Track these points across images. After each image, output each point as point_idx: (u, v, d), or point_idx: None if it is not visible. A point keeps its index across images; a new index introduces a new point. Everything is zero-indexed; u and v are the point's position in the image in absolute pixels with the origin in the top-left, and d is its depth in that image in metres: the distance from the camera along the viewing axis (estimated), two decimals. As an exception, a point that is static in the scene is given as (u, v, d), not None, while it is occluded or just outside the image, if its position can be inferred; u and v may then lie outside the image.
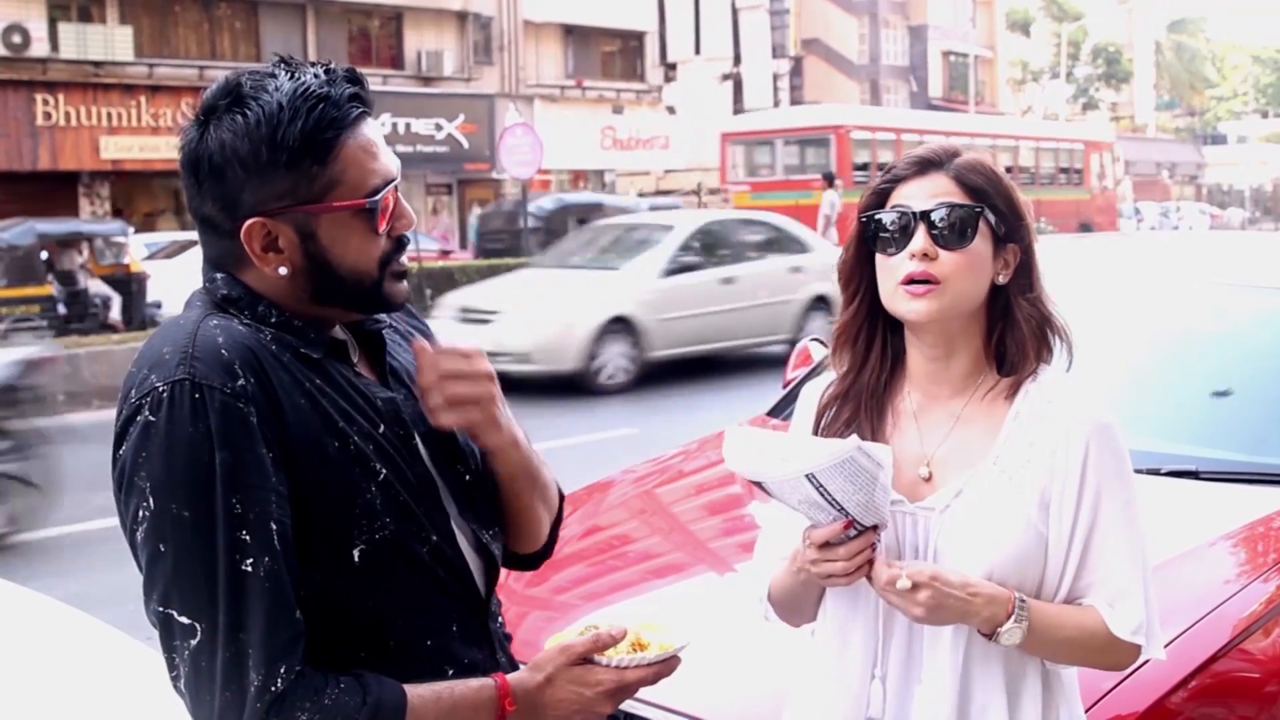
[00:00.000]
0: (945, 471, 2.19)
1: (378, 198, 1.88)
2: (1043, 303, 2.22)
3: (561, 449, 11.27)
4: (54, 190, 28.00)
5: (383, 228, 1.90)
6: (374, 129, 1.91)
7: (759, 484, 2.08)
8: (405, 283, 1.98)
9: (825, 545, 2.08)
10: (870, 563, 2.08)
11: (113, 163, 28.92)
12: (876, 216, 2.18)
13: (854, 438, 2.02)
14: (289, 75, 1.85)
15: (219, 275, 1.92)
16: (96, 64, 28.41)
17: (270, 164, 1.81)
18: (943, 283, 2.12)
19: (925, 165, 2.18)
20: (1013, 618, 2.05)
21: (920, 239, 2.13)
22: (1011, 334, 2.19)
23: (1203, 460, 3.74)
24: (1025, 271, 2.20)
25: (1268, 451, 3.84)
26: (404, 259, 1.97)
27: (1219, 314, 4.45)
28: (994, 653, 2.13)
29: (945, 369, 2.22)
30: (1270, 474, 3.70)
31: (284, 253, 1.86)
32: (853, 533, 2.06)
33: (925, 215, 2.14)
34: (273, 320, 1.89)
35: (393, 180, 1.91)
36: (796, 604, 2.33)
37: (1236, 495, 3.62)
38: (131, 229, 22.86)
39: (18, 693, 2.95)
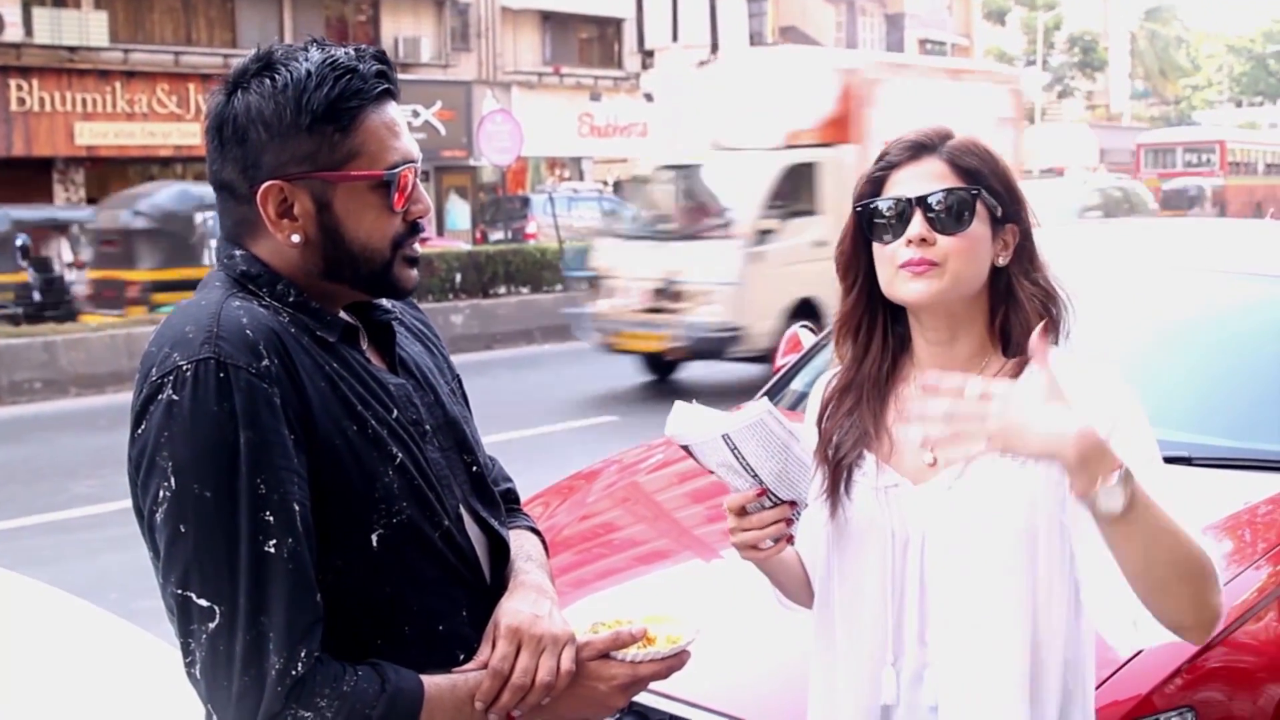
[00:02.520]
0: (947, 455, 2.13)
1: (395, 172, 1.88)
2: (1046, 280, 2.18)
3: (544, 436, 11.28)
4: (28, 177, 27.80)
5: (399, 207, 1.90)
6: (398, 112, 1.92)
7: (686, 448, 2.10)
8: (416, 270, 1.98)
9: (742, 513, 2.09)
10: (790, 539, 2.12)
11: (87, 149, 28.72)
12: (872, 205, 2.15)
13: (765, 401, 2.04)
14: (320, 49, 1.87)
15: (237, 252, 1.91)
16: (71, 49, 28.20)
17: (293, 127, 1.82)
18: (941, 264, 2.09)
19: (918, 149, 2.14)
20: (1118, 475, 1.81)
21: (917, 224, 2.09)
22: (1016, 314, 2.15)
23: (1195, 446, 3.73)
24: (1025, 251, 2.17)
25: (1260, 438, 3.84)
26: (417, 245, 1.96)
27: (1212, 301, 4.45)
28: (1015, 635, 2.08)
29: (950, 353, 2.19)
30: (1262, 460, 3.70)
31: (298, 221, 1.86)
32: (767, 502, 2.08)
33: (921, 200, 2.10)
34: (290, 300, 1.89)
35: (412, 161, 1.91)
36: (777, 579, 2.34)
37: (1229, 481, 3.62)
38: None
39: (21, 677, 2.94)
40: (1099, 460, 1.81)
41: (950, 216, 2.10)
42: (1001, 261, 2.15)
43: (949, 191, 2.10)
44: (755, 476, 2.05)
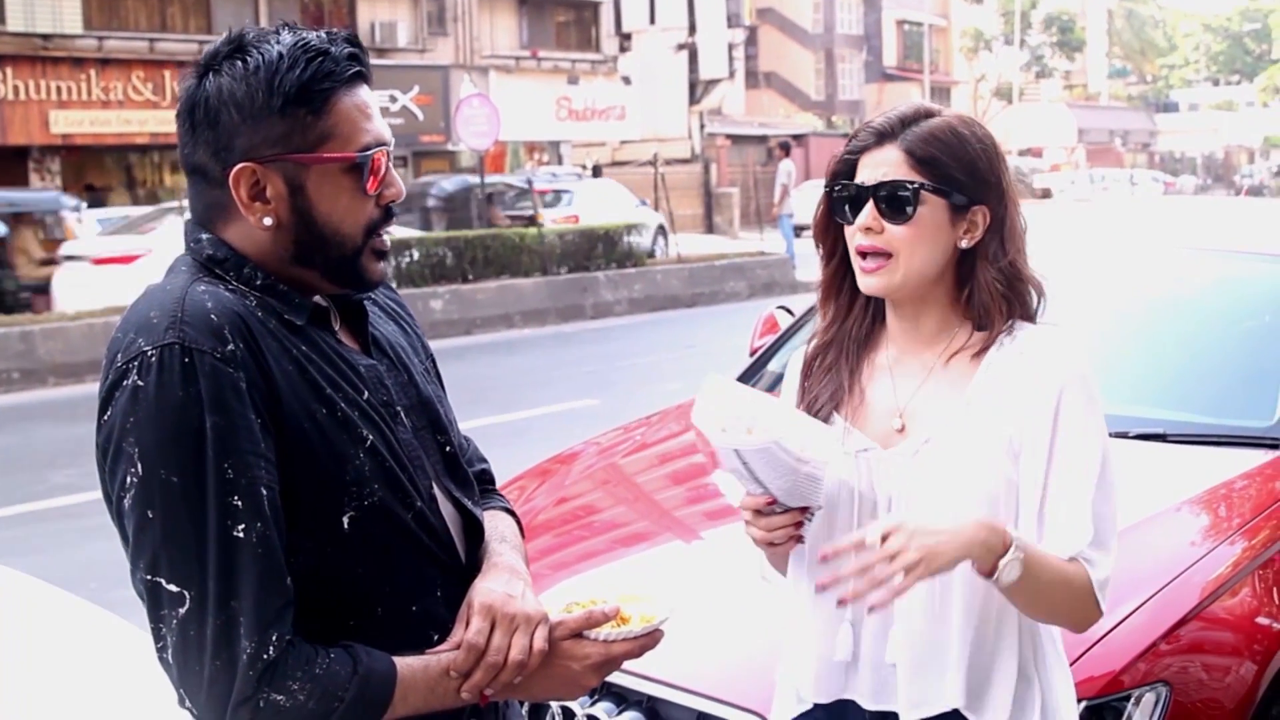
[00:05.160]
0: (916, 421, 2.23)
1: (368, 154, 1.87)
2: (1013, 264, 2.22)
3: (524, 420, 11.28)
4: (3, 165, 27.62)
5: (372, 190, 1.90)
6: (370, 95, 1.92)
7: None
8: (384, 264, 1.97)
9: (756, 512, 2.17)
10: (799, 539, 2.19)
11: (63, 137, 28.54)
12: (837, 188, 2.24)
13: (777, 434, 2.05)
14: (291, 32, 1.87)
15: (204, 236, 1.90)
16: (45, 37, 27.99)
17: (265, 109, 1.82)
18: (894, 256, 2.17)
19: (881, 137, 2.21)
20: (1011, 549, 2.00)
21: (866, 214, 2.18)
22: (977, 295, 2.22)
23: (1170, 423, 3.76)
24: (996, 234, 2.21)
25: (1234, 414, 3.87)
26: (387, 237, 1.96)
27: (1186, 278, 4.47)
28: (972, 593, 2.14)
29: (916, 327, 2.27)
30: (1236, 436, 3.73)
31: (270, 204, 1.85)
32: (778, 509, 2.14)
33: (872, 190, 2.18)
34: (258, 283, 1.87)
35: (385, 144, 1.91)
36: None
37: (1204, 458, 3.65)
38: (84, 204, 22.66)
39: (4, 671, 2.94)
40: (996, 542, 2.00)
41: (895, 207, 2.17)
42: (965, 244, 2.20)
43: (893, 184, 2.17)
44: (765, 488, 2.11)
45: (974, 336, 2.23)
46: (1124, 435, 3.64)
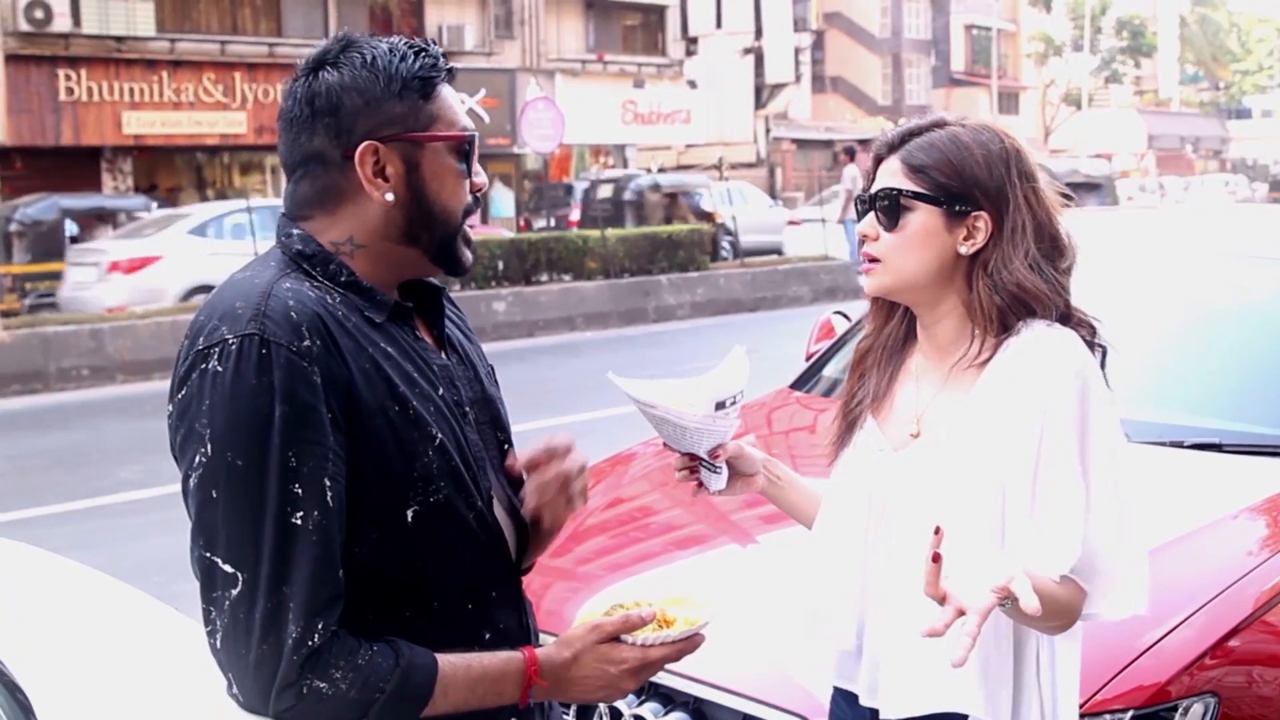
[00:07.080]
0: (929, 427, 2.29)
1: (472, 133, 2.03)
2: (1010, 273, 2.21)
3: (585, 422, 11.31)
4: (77, 165, 28.00)
5: (474, 174, 2.04)
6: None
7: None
8: (471, 252, 2.08)
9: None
10: (699, 484, 2.42)
11: (135, 138, 28.90)
12: (859, 198, 2.37)
13: (619, 379, 2.30)
14: (387, 39, 2.04)
15: (295, 231, 1.99)
16: (119, 39, 28.37)
17: (385, 93, 1.96)
18: (883, 261, 2.27)
19: (889, 148, 2.31)
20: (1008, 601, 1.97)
21: (865, 221, 2.31)
22: (974, 303, 2.25)
23: (1226, 433, 3.74)
24: (1000, 241, 2.23)
25: (1291, 424, 3.84)
26: (471, 224, 2.08)
27: (1244, 287, 4.43)
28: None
29: (934, 333, 2.33)
30: (1294, 447, 3.70)
31: (390, 181, 1.97)
32: (679, 454, 2.38)
33: (873, 198, 2.29)
34: (343, 280, 1.96)
35: (475, 132, 2.06)
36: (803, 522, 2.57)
37: (1259, 468, 3.63)
38: (155, 204, 22.92)
39: (64, 659, 3.00)
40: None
41: (886, 214, 2.27)
42: (964, 250, 2.24)
43: (882, 192, 2.28)
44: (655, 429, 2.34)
45: (987, 342, 2.25)
46: (1179, 445, 3.64)
